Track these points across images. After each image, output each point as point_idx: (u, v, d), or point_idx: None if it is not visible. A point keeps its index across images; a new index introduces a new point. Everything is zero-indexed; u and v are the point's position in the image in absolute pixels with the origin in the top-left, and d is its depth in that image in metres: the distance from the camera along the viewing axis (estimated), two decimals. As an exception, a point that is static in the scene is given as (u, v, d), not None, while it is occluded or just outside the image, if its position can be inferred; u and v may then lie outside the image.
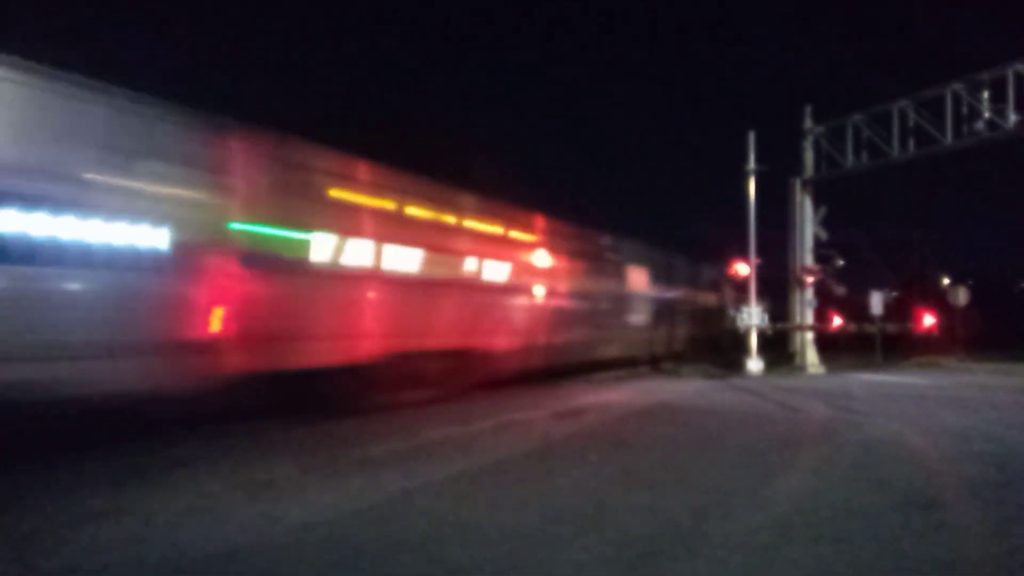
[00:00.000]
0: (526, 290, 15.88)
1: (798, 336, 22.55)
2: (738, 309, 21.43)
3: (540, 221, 16.56)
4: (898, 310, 27.42)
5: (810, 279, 22.45)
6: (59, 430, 9.98)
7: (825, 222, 22.72)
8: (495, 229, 15.11)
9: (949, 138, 18.83)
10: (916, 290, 31.54)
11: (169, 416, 11.32)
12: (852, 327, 26.02)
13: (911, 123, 19.71)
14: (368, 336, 11.59)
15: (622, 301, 20.47)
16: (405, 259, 12.33)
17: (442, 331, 13.25)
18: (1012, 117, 17.60)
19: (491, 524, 5.59)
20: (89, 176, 8.13)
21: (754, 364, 20.50)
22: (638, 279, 21.22)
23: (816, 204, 22.81)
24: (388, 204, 12.35)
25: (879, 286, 26.08)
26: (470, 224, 14.30)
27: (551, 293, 16.57)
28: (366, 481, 6.97)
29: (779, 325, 22.15)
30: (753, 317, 21.12)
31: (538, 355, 16.03)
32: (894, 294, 29.49)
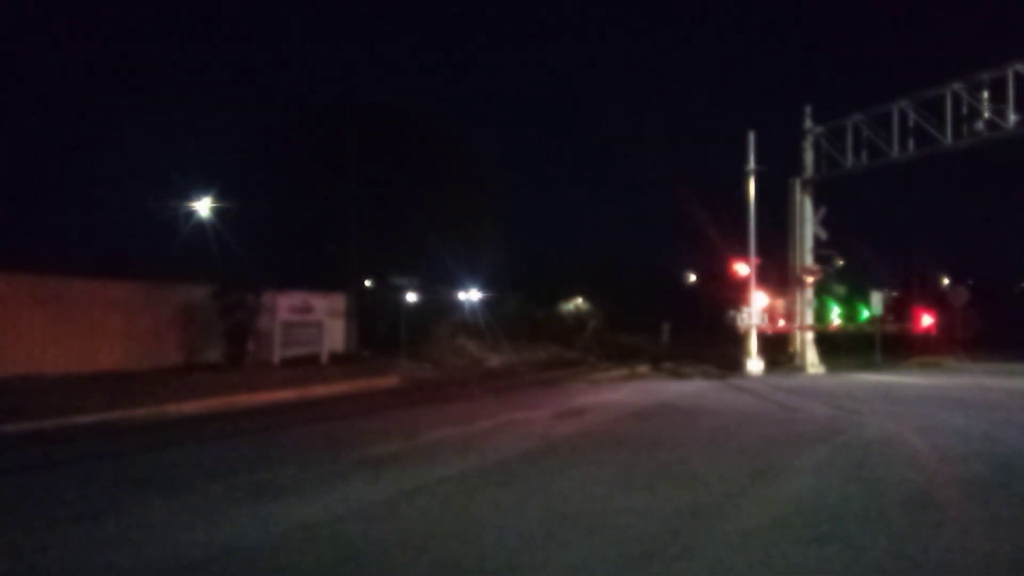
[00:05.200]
0: None
1: (798, 336, 22.54)
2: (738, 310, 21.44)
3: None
4: (898, 310, 27.36)
5: (810, 279, 22.44)
6: (64, 438, 10.01)
7: (825, 222, 22.72)
8: None
9: (949, 138, 18.81)
10: (916, 290, 31.46)
11: (170, 419, 11.37)
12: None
13: (911, 123, 19.68)
14: None
15: None
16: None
17: None
18: (1012, 117, 17.58)
19: (491, 524, 5.59)
20: None
21: (754, 364, 20.49)
22: None
23: (816, 204, 22.80)
24: None
25: (879, 286, 26.04)
26: None
27: None
28: (366, 481, 6.97)
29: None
30: (753, 317, 21.12)
31: None
32: (894, 294, 29.42)
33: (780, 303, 22.62)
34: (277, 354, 20.22)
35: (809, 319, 22.51)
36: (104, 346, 17.30)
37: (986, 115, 18.10)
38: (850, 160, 21.24)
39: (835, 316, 23.75)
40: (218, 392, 14.00)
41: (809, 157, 22.63)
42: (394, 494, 6.44)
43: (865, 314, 24.34)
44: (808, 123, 22.66)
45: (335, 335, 23.12)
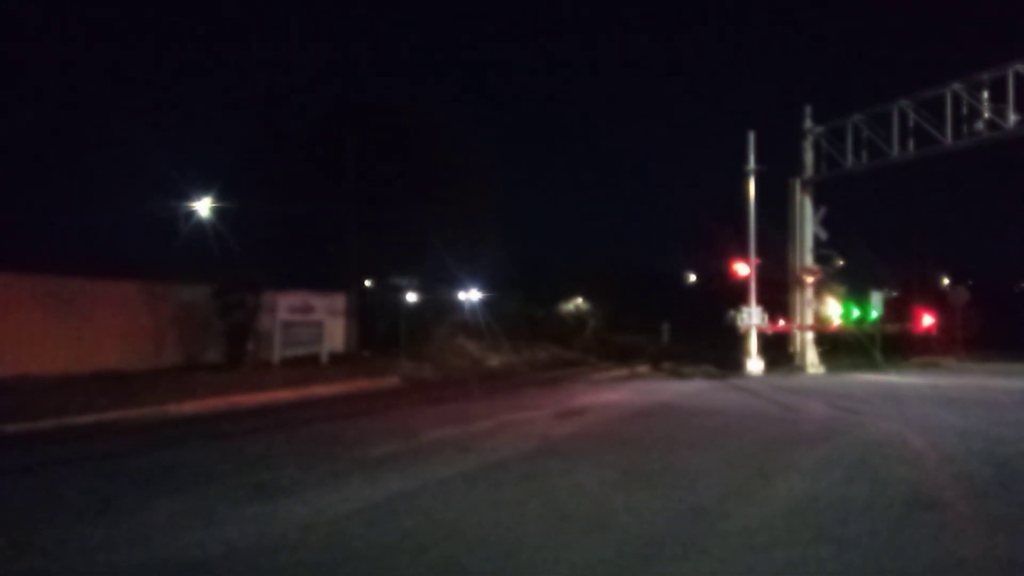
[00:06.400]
0: None
1: (798, 336, 22.54)
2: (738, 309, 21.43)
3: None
4: (898, 310, 27.36)
5: (810, 279, 22.45)
6: (64, 438, 10.00)
7: (825, 222, 22.71)
8: None
9: (949, 138, 18.80)
10: (916, 290, 31.45)
11: (170, 419, 11.36)
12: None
13: (911, 123, 19.68)
14: None
15: None
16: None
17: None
18: (1012, 117, 17.58)
19: (491, 524, 5.59)
20: None
21: (754, 364, 20.49)
22: None
23: (816, 204, 22.80)
24: None
25: (879, 286, 26.04)
26: None
27: None
28: (366, 481, 6.97)
29: None
30: (753, 317, 21.11)
31: None
32: (894, 294, 29.43)
33: (821, 305, 22.81)
34: (277, 354, 20.21)
35: (809, 319, 22.52)
36: (104, 346, 17.29)
37: (986, 115, 18.10)
38: (850, 160, 21.24)
39: (837, 316, 23.75)
40: (218, 392, 13.99)
41: (809, 157, 22.63)
42: (394, 494, 6.44)
43: (873, 314, 24.38)
44: (808, 123, 22.66)
45: (335, 335, 23.11)
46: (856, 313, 23.86)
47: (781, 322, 22.51)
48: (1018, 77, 17.44)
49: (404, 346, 22.69)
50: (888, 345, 24.74)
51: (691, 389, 16.37)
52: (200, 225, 19.75)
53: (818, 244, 22.77)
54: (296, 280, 22.20)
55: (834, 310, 23.16)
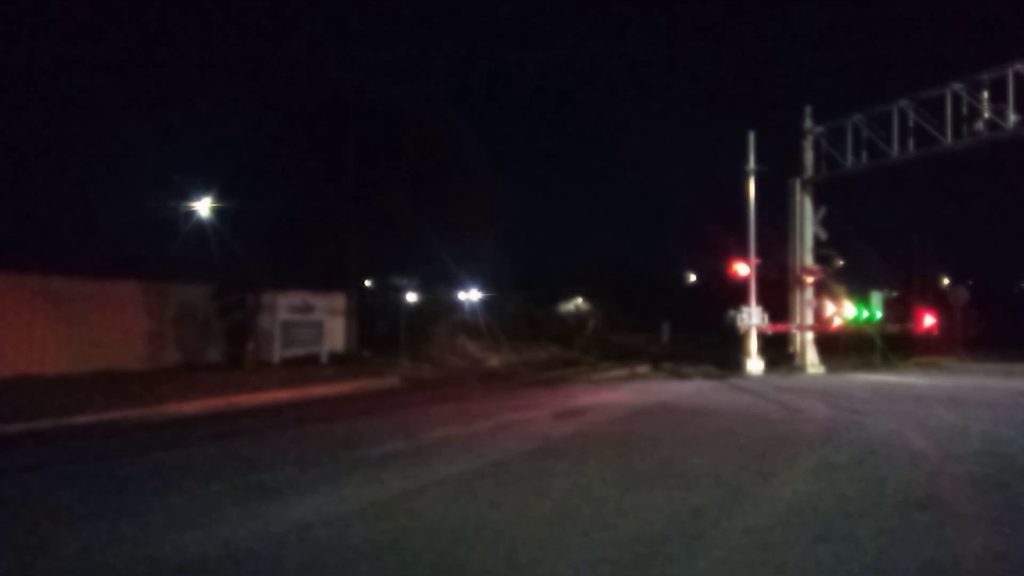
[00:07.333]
0: None
1: (798, 336, 22.53)
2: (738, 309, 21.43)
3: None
4: (898, 310, 27.36)
5: (810, 279, 22.45)
6: (64, 438, 10.00)
7: (825, 222, 22.72)
8: None
9: (949, 138, 18.80)
10: (916, 290, 31.44)
11: (170, 419, 11.36)
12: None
13: (911, 123, 19.67)
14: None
15: None
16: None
17: None
18: (1012, 117, 17.57)
19: (491, 524, 5.59)
20: None
21: (754, 364, 20.48)
22: None
23: (816, 204, 22.80)
24: None
25: (879, 286, 26.04)
26: None
27: None
28: (366, 481, 6.97)
29: None
30: (753, 317, 21.10)
31: None
32: (894, 294, 29.41)
33: (832, 301, 22.77)
34: (277, 354, 20.21)
35: (809, 319, 22.53)
36: (104, 346, 17.29)
37: (986, 115, 18.09)
38: (850, 160, 21.23)
39: (851, 316, 23.73)
40: (218, 392, 13.99)
41: (809, 157, 22.62)
42: (394, 494, 6.44)
43: (877, 315, 24.39)
44: (808, 123, 22.65)
45: (335, 335, 23.12)
46: (865, 314, 23.93)
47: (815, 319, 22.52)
48: (1018, 77, 17.43)
49: (404, 346, 22.69)
50: (889, 345, 24.75)
51: (691, 389, 16.36)
52: (200, 225, 19.74)
53: (818, 244, 22.77)
54: (296, 280, 22.19)
55: (850, 311, 23.20)
